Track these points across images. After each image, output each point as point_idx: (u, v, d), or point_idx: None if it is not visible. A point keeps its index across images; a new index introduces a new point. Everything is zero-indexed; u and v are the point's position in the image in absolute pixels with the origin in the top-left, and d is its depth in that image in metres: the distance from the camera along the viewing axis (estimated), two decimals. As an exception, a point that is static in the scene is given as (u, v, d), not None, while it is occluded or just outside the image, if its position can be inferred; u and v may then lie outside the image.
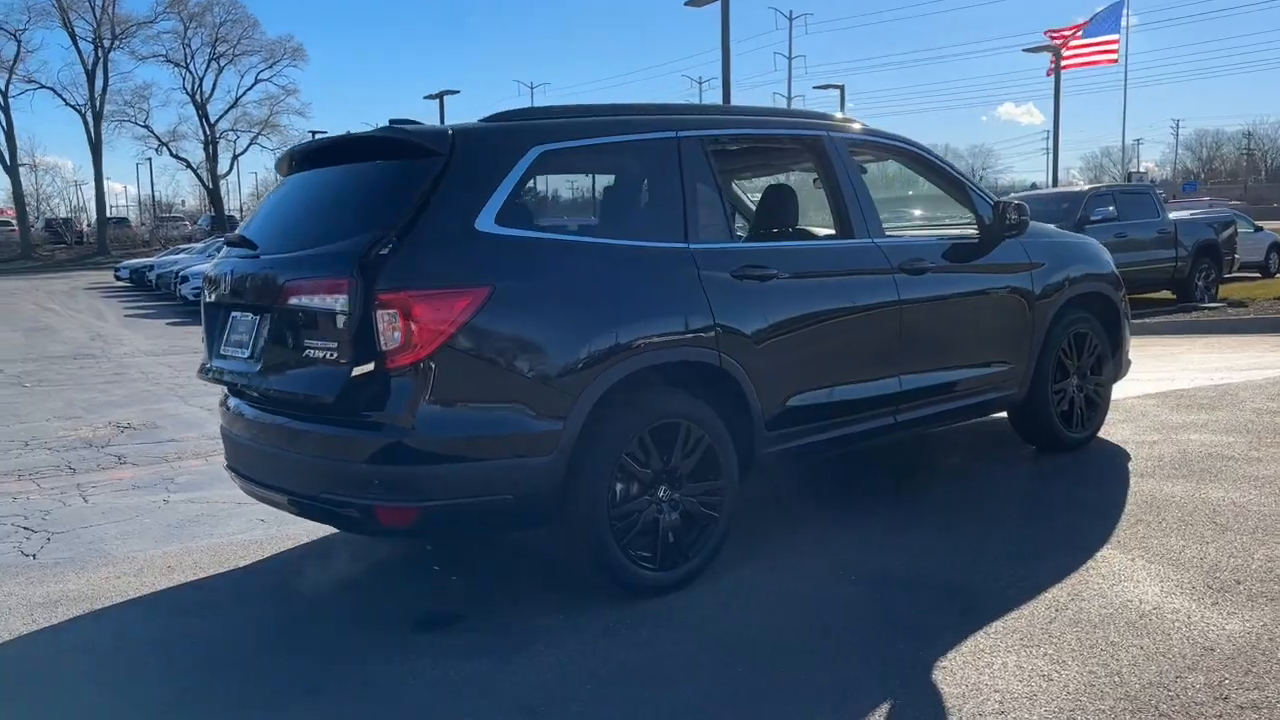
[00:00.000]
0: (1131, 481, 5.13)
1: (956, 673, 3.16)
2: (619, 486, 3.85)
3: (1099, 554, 4.12)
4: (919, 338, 4.85)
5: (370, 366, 3.48)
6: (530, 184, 4.19)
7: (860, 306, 4.63)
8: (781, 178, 5.90)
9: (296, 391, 3.77)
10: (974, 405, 5.28)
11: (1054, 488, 5.25)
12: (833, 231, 4.91)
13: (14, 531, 5.34)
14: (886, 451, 5.89)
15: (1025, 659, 3.23)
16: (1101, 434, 5.98)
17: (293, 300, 3.74)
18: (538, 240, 3.88)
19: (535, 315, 3.69)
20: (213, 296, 4.37)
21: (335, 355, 3.57)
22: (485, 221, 3.68)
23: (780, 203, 4.97)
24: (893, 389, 4.78)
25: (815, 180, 5.08)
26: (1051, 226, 6.38)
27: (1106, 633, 3.38)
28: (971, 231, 5.34)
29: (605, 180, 4.88)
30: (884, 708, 2.98)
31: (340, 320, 3.52)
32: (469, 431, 3.58)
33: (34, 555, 4.91)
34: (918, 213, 7.81)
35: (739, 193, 5.99)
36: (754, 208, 5.47)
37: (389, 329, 3.45)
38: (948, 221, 5.95)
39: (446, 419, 3.55)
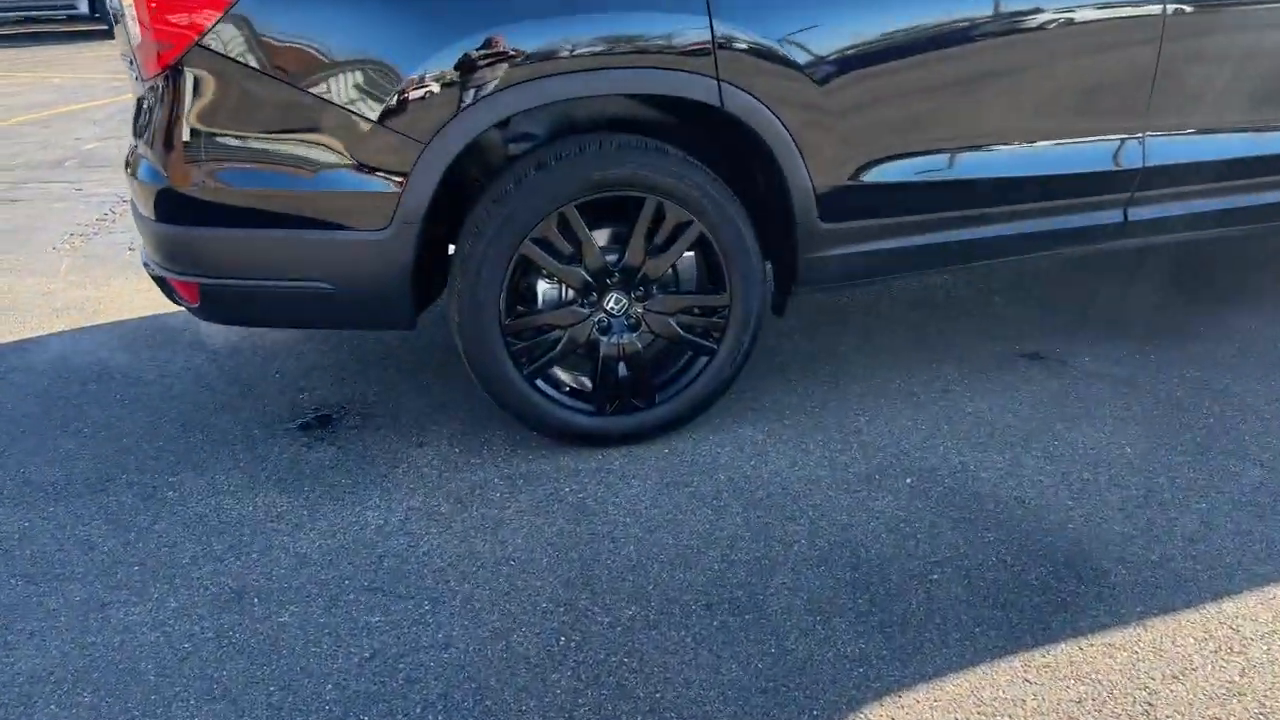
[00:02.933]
0: None
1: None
2: (526, 285, 2.49)
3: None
4: (1201, 62, 2.78)
5: (143, 88, 2.34)
6: None
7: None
8: None
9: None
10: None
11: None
12: None
13: None
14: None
15: None
16: None
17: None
18: None
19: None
20: None
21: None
22: None
23: None
24: (1130, 158, 2.80)
25: None
26: None
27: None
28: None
29: None
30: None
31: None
32: (251, 183, 2.31)
33: None
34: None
35: None
36: None
37: (136, 23, 2.23)
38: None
39: (216, 163, 2.29)
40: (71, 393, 3.17)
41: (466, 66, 2.25)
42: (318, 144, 2.28)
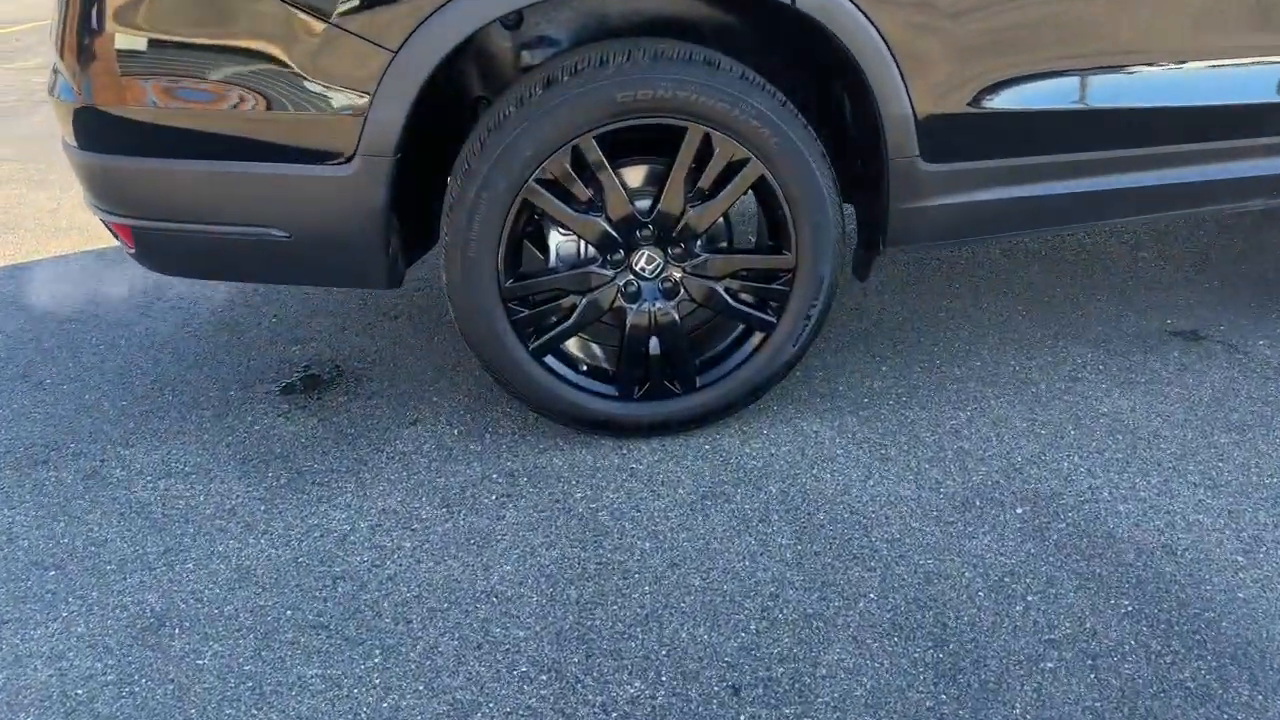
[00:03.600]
0: None
1: None
2: (536, 236, 1.97)
3: None
4: None
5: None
6: None
7: None
8: None
9: None
10: None
11: None
12: None
13: None
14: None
15: None
16: None
17: None
18: None
19: None
20: None
21: None
22: None
23: None
24: None
25: None
26: None
27: None
28: None
29: None
30: None
31: None
32: (183, 101, 1.80)
33: None
34: None
35: None
36: None
37: None
38: None
39: (141, 76, 1.80)
40: (45, 332, 2.79)
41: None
42: (261, 52, 1.76)
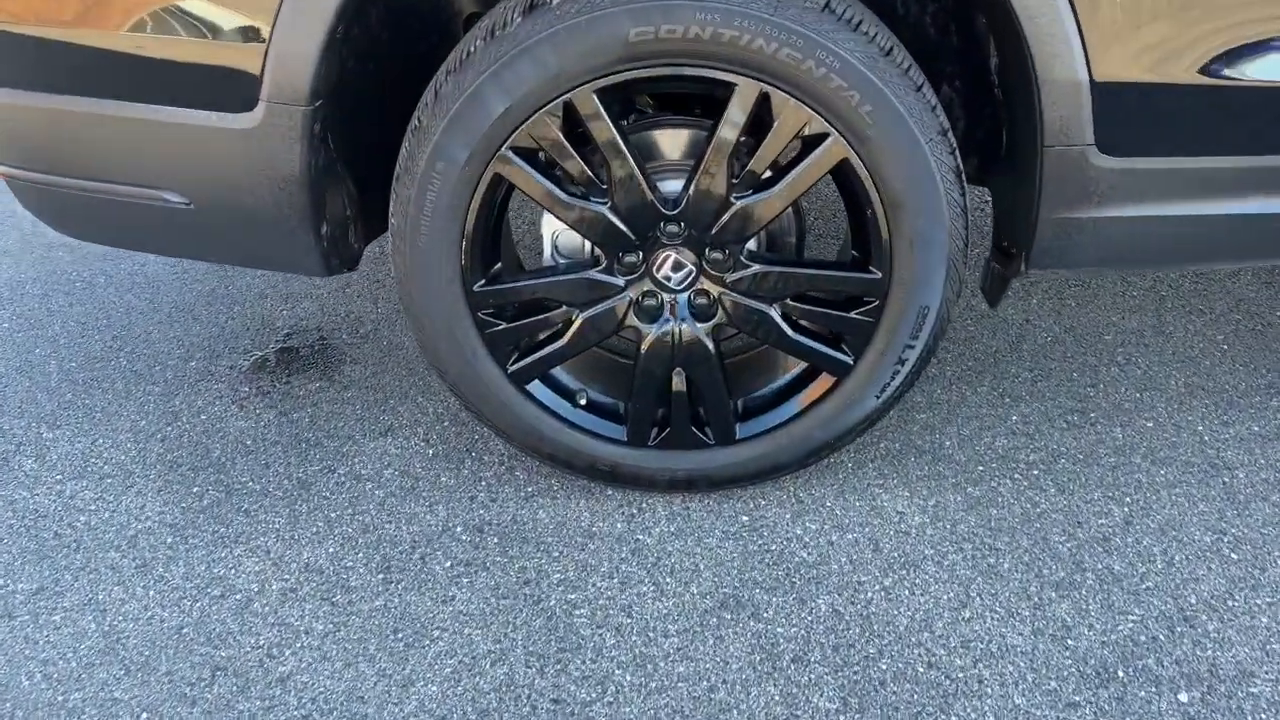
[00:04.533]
0: None
1: None
2: (506, 229, 1.42)
3: None
4: None
5: None
6: None
7: None
8: None
9: None
10: None
11: None
12: None
13: None
14: None
15: None
16: None
17: None
18: None
19: None
20: None
21: None
22: None
23: None
24: None
25: None
26: None
27: None
28: None
29: None
30: None
31: None
32: (52, 17, 1.30)
33: None
34: None
35: None
36: None
37: None
38: None
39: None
40: (25, 259, 2.44)
41: None
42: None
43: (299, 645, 1.39)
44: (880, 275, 1.37)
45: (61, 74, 1.34)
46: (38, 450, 1.80)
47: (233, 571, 1.52)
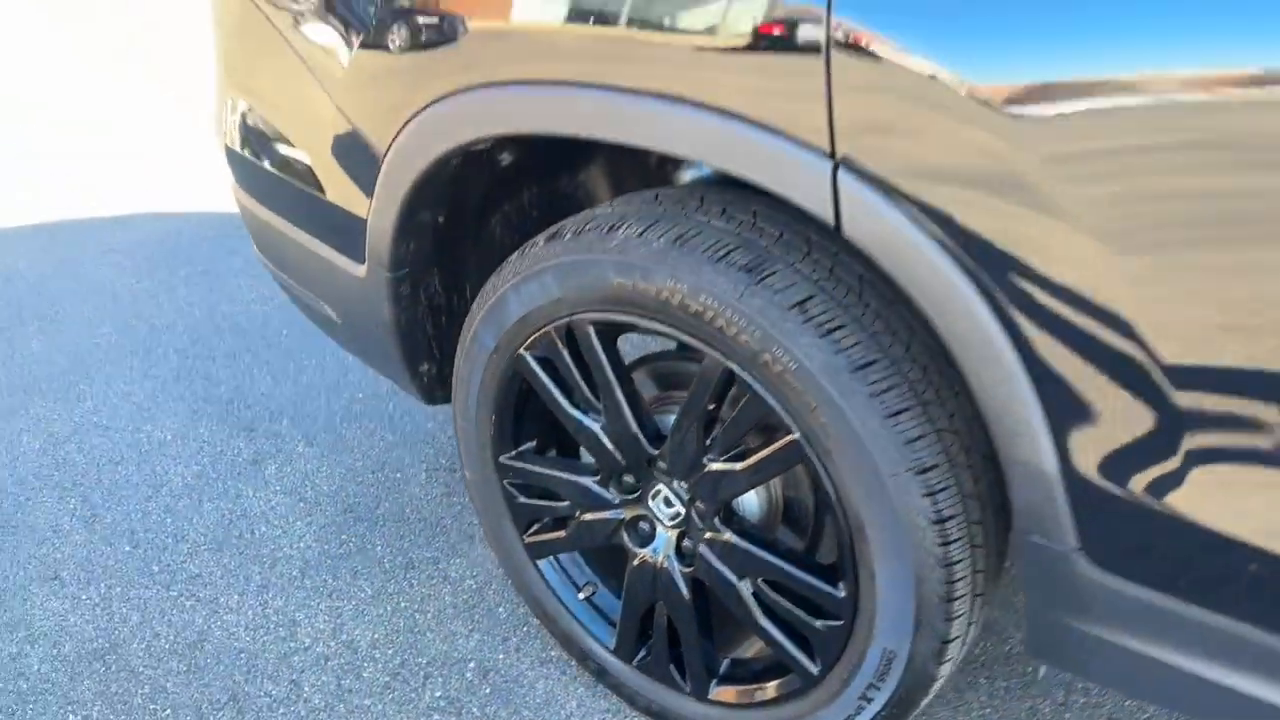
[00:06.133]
0: None
1: None
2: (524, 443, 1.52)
3: None
4: None
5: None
6: None
7: None
8: None
9: None
10: None
11: None
12: None
13: None
14: None
15: None
16: None
17: None
18: None
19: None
20: None
21: None
22: None
23: None
24: None
25: None
26: None
27: None
28: None
29: None
30: None
31: None
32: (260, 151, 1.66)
33: None
34: None
35: None
36: None
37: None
38: None
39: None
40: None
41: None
42: (301, 105, 1.54)
43: (292, 710, 1.61)
44: (844, 594, 1.18)
45: (269, 193, 1.70)
46: (284, 460, 2.25)
47: (306, 620, 1.79)
